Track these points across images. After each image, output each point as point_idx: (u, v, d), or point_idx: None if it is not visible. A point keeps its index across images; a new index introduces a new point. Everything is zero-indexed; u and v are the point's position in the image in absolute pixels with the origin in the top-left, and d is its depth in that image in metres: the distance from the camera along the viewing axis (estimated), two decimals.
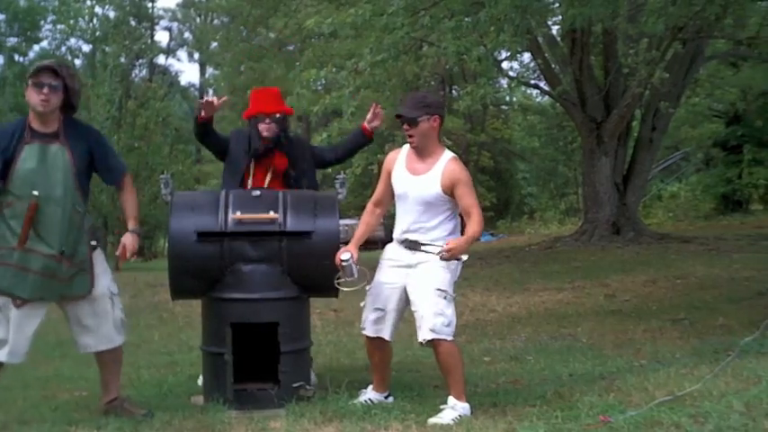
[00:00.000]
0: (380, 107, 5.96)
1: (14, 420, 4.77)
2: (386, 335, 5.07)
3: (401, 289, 4.99)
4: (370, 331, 5.09)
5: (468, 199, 4.91)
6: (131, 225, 5.00)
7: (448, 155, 5.03)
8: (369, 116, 5.94)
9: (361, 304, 5.16)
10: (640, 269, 13.37)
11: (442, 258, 4.74)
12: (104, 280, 4.88)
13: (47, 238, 4.60)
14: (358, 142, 6.09)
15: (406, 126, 4.96)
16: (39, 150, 4.67)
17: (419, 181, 4.96)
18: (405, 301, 5.03)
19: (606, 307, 10.24)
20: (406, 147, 5.10)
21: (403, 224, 5.04)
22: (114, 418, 4.69)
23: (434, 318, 4.77)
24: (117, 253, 4.95)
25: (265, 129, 5.76)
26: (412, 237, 4.97)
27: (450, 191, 4.91)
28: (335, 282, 5.00)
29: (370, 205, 5.30)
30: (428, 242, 4.92)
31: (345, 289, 5.03)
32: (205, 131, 5.81)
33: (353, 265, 4.93)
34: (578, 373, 6.07)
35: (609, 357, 6.79)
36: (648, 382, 5.38)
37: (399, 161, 5.10)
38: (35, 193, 4.56)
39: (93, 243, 4.86)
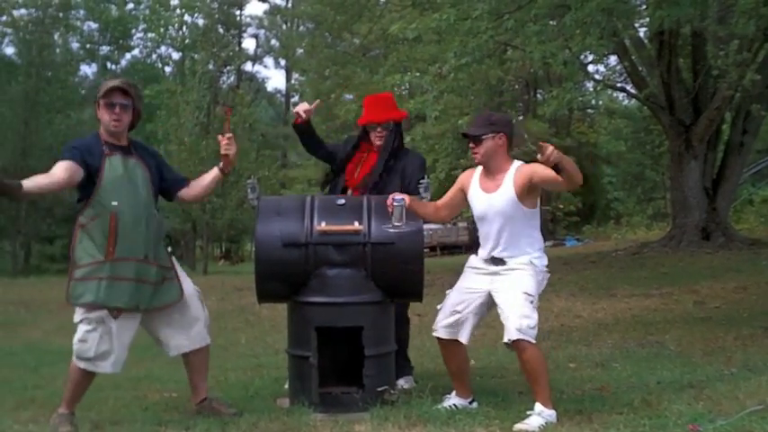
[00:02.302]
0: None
1: (106, 420, 4.88)
2: (462, 337, 5.05)
3: (484, 294, 4.98)
4: (442, 333, 5.09)
5: (548, 171, 4.75)
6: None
7: (516, 164, 5.03)
8: None
9: (438, 307, 5.17)
10: (731, 275, 13.08)
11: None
12: (188, 282, 5.05)
13: (132, 244, 4.74)
14: None
15: (471, 144, 5.00)
16: (121, 162, 4.85)
17: (493, 198, 4.97)
18: (485, 307, 5.02)
19: (695, 314, 10.04)
20: (480, 168, 5.14)
21: (487, 244, 5.03)
22: (202, 419, 4.78)
23: (520, 319, 4.75)
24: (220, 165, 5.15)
25: (377, 137, 5.85)
26: (497, 255, 4.97)
27: (525, 191, 4.89)
28: (383, 227, 5.05)
29: (436, 203, 5.33)
30: (512, 257, 4.92)
31: (392, 230, 5.03)
32: (302, 133, 5.96)
33: (404, 210, 4.95)
34: (666, 380, 5.96)
35: (698, 365, 6.65)
36: (739, 390, 5.26)
37: (474, 180, 5.13)
38: (114, 203, 4.71)
39: (170, 249, 5.05)
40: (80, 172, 4.72)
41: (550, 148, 4.60)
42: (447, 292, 5.16)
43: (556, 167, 4.65)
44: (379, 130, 5.87)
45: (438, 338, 5.15)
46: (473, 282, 5.05)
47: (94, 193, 4.75)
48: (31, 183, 4.56)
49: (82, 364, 4.75)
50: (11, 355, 8.11)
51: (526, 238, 4.97)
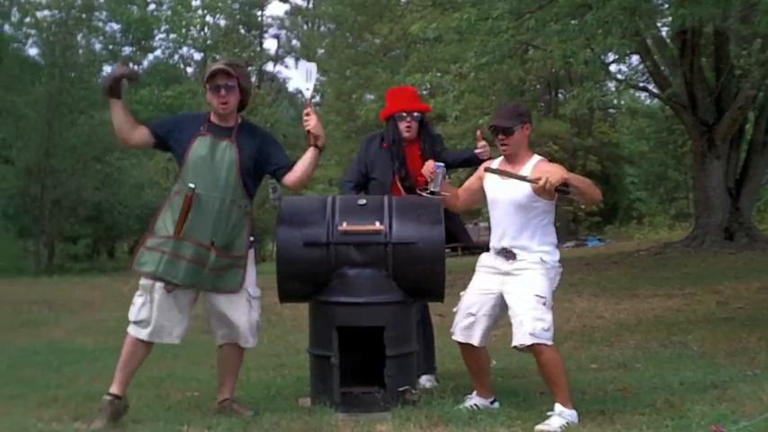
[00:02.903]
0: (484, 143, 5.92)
1: (129, 419, 4.90)
2: (475, 341, 5.06)
3: (496, 296, 4.97)
4: (459, 336, 5.10)
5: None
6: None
7: (536, 158, 5.04)
8: (478, 150, 5.88)
9: (454, 309, 5.17)
10: (754, 276, 12.99)
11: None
12: (248, 280, 5.06)
13: (200, 228, 4.82)
14: (467, 159, 6.08)
15: (501, 136, 4.98)
16: (209, 144, 4.92)
17: (509, 184, 4.95)
18: (499, 309, 5.01)
19: (718, 314, 9.97)
20: (500, 159, 5.14)
21: (497, 231, 5.04)
22: (225, 419, 4.79)
23: (534, 322, 4.74)
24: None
25: (405, 127, 5.86)
26: (507, 244, 4.96)
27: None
28: (418, 191, 5.11)
29: (457, 189, 5.36)
30: (523, 249, 4.91)
31: (426, 195, 5.06)
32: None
33: (442, 177, 5.03)
34: (689, 381, 5.93)
35: (721, 366, 6.62)
36: (762, 391, 5.22)
37: (494, 167, 5.11)
38: (191, 184, 4.80)
39: (252, 239, 5.05)
40: (150, 140, 4.97)
41: (542, 180, 4.64)
42: (461, 293, 5.16)
43: (565, 186, 4.67)
44: (408, 119, 5.87)
45: (457, 342, 5.16)
46: (486, 282, 5.04)
47: (180, 171, 4.91)
48: (123, 109, 4.87)
49: (129, 326, 4.91)
50: (34, 354, 8.17)
51: (537, 231, 4.95)
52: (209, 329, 5.14)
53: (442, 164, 5.07)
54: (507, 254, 4.95)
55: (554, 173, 4.69)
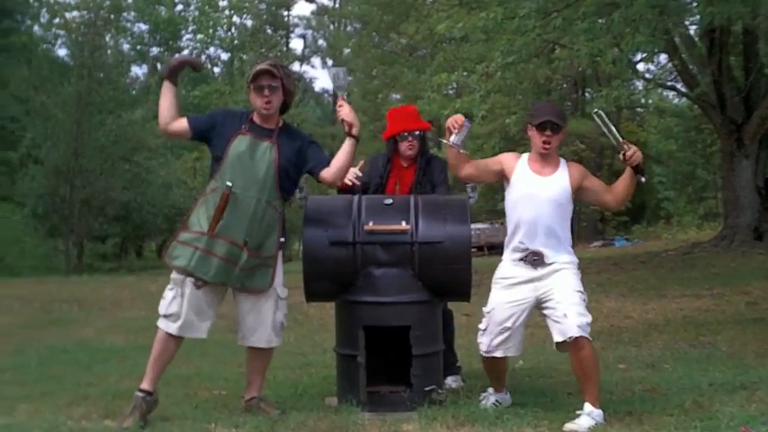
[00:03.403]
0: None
1: (157, 417, 4.93)
2: (514, 352, 5.05)
3: (529, 305, 4.92)
4: (498, 353, 5.00)
5: (598, 181, 5.17)
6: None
7: (563, 160, 5.10)
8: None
9: (480, 326, 5.08)
10: None
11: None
12: (277, 280, 5.07)
13: (234, 227, 4.84)
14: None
15: (549, 132, 4.93)
16: (249, 143, 4.94)
17: (546, 181, 4.94)
18: (529, 313, 4.98)
19: (747, 315, 9.90)
20: (526, 155, 5.11)
21: (523, 230, 4.95)
22: (252, 417, 4.82)
23: (579, 317, 4.73)
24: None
25: (407, 147, 5.86)
26: (539, 246, 4.91)
27: (576, 187, 4.95)
28: (440, 140, 5.08)
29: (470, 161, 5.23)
30: (554, 250, 4.90)
31: (447, 143, 5.00)
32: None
33: (467, 132, 5.00)
34: (718, 382, 5.89)
35: (751, 367, 6.57)
36: None
37: (521, 164, 5.06)
38: (229, 183, 4.82)
39: (282, 240, 5.06)
40: (187, 133, 5.02)
41: (633, 148, 4.79)
42: (484, 310, 5.05)
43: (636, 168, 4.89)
44: (410, 139, 5.87)
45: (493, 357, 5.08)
46: (515, 294, 4.94)
47: (219, 168, 4.93)
48: (174, 95, 4.99)
49: (159, 320, 4.95)
50: (64, 352, 8.24)
51: (565, 231, 4.97)
52: (236, 329, 5.17)
53: (470, 120, 5.04)
54: (536, 259, 4.91)
55: (636, 151, 4.87)
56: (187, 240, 4.88)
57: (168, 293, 4.93)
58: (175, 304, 4.89)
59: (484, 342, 5.04)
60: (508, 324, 4.94)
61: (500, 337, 4.97)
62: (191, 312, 4.89)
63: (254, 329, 5.05)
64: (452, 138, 4.97)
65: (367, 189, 5.89)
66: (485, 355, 5.07)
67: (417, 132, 5.92)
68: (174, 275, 4.93)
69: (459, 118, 5.00)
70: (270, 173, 4.92)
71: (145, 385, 4.89)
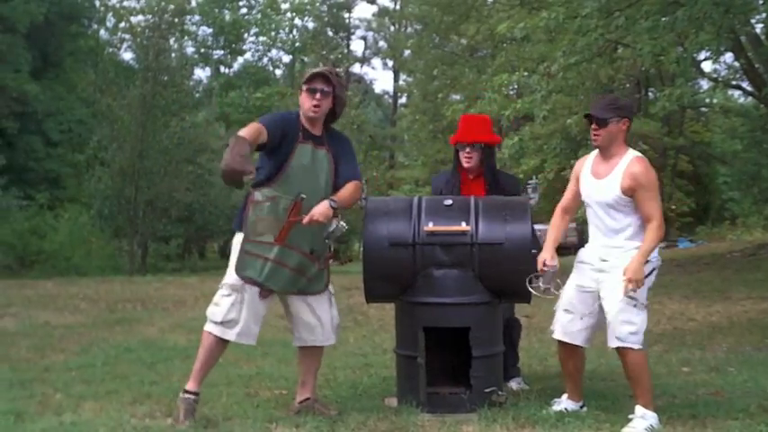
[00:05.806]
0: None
1: (219, 416, 5.00)
2: (576, 340, 5.01)
3: (594, 294, 4.92)
4: (558, 334, 5.06)
5: (647, 206, 4.78)
6: (332, 196, 4.93)
7: (631, 155, 4.92)
8: None
9: (554, 308, 5.13)
10: None
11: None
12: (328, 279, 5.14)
13: (302, 236, 4.88)
14: None
15: (594, 126, 4.92)
16: (311, 152, 4.96)
17: (600, 185, 4.92)
18: (596, 306, 4.94)
19: None
20: (595, 152, 5.07)
21: (592, 229, 5.04)
22: (312, 418, 4.85)
23: (621, 326, 4.69)
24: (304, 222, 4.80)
25: (465, 159, 5.81)
26: (600, 244, 4.93)
27: (630, 193, 4.81)
28: (528, 283, 4.95)
29: (558, 209, 5.27)
30: (616, 248, 4.85)
31: (536, 293, 5.00)
32: None
33: (554, 275, 4.91)
34: None
35: None
36: None
37: (587, 166, 5.07)
38: (300, 193, 4.84)
39: (328, 242, 5.06)
40: (263, 136, 4.74)
41: (631, 286, 4.64)
42: (560, 291, 5.05)
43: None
44: (468, 150, 5.80)
45: (557, 340, 5.11)
46: (581, 278, 5.00)
47: (279, 176, 4.88)
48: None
49: (210, 327, 4.95)
50: (128, 351, 8.36)
51: (631, 230, 4.87)
52: (293, 330, 5.20)
53: (555, 265, 4.90)
54: (599, 256, 4.93)
55: (637, 272, 4.64)
56: (251, 250, 4.87)
57: (224, 300, 4.90)
58: (234, 311, 4.87)
59: (554, 319, 5.11)
60: (569, 307, 4.99)
61: (564, 318, 5.02)
62: (250, 319, 4.90)
63: (312, 329, 5.08)
64: (541, 285, 4.93)
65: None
66: (551, 335, 5.15)
67: (476, 145, 5.84)
68: (230, 281, 4.91)
69: (543, 263, 4.94)
70: (329, 181, 4.97)
71: (193, 387, 4.95)
